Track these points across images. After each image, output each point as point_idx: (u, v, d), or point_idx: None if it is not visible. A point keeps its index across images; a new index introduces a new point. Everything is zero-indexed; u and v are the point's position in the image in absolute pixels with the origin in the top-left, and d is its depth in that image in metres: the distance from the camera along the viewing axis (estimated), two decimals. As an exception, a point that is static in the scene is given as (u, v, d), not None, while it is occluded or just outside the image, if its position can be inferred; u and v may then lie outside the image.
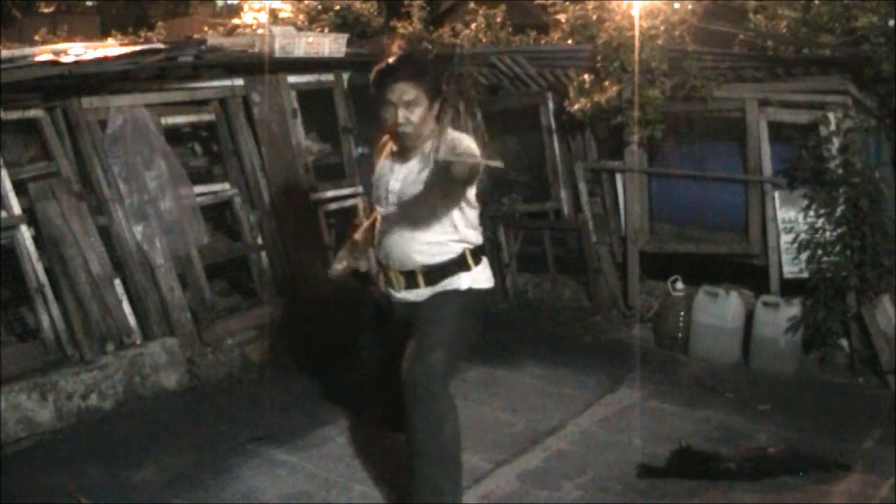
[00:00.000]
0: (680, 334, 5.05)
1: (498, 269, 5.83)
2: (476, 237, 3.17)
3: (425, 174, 3.00)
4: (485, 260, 3.24)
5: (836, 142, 4.50)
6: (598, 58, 5.06)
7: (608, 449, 3.80)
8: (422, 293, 3.14)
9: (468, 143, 2.95)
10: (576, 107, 5.08)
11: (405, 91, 2.98)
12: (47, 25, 8.84)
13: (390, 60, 3.04)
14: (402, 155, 3.14)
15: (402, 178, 3.11)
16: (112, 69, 4.33)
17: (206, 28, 7.64)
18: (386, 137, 3.27)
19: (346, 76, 5.46)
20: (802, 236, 4.69)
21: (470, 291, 3.14)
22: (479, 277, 3.18)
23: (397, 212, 3.12)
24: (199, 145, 5.34)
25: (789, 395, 4.41)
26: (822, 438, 3.85)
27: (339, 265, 3.45)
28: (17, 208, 4.12)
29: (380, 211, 3.23)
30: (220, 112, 4.98)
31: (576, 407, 4.24)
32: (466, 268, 3.13)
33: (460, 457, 3.08)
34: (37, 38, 6.51)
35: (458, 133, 3.10)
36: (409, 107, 2.99)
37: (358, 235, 3.45)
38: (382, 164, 3.24)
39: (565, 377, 4.63)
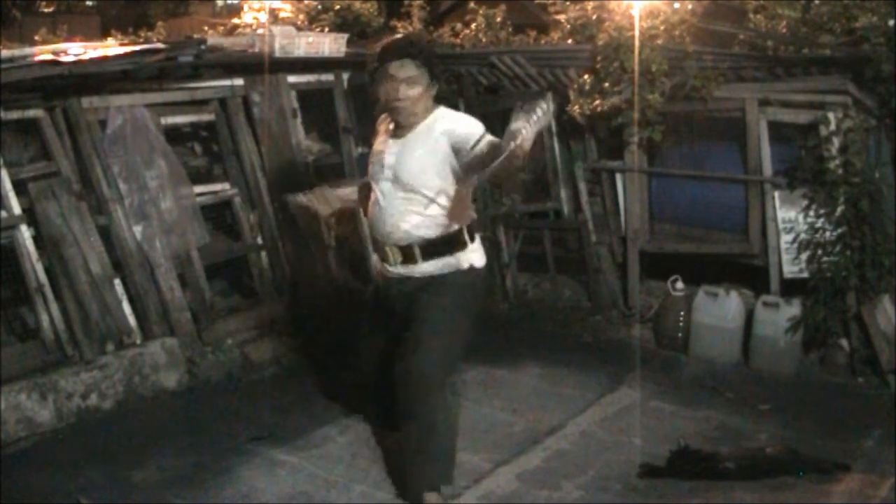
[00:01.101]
0: (680, 334, 5.04)
1: (498, 269, 5.83)
2: (472, 214, 3.24)
3: (422, 152, 3.10)
4: (478, 237, 3.29)
5: (836, 142, 4.50)
6: (598, 58, 5.05)
7: (608, 449, 3.79)
8: (418, 269, 3.18)
9: (469, 119, 3.12)
10: (576, 108, 5.08)
11: (407, 67, 3.09)
12: (47, 25, 8.84)
13: (395, 37, 3.22)
14: (398, 131, 3.22)
15: (396, 152, 3.18)
16: (112, 69, 4.33)
17: (206, 28, 7.64)
18: (384, 116, 3.34)
19: (346, 76, 5.45)
20: (802, 236, 4.69)
21: (467, 271, 3.19)
22: (476, 255, 3.23)
23: (393, 186, 3.17)
24: (199, 145, 5.33)
25: (789, 395, 4.41)
26: (822, 438, 3.85)
27: (304, 196, 3.52)
28: (17, 208, 4.12)
29: (374, 186, 3.28)
30: (220, 112, 4.98)
31: (576, 407, 4.23)
32: (463, 245, 3.18)
33: (455, 451, 3.18)
34: (37, 38, 6.51)
35: (454, 111, 3.23)
36: (410, 83, 3.09)
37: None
38: (379, 140, 3.33)
39: (565, 377, 4.63)
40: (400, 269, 3.23)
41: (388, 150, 3.22)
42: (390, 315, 3.36)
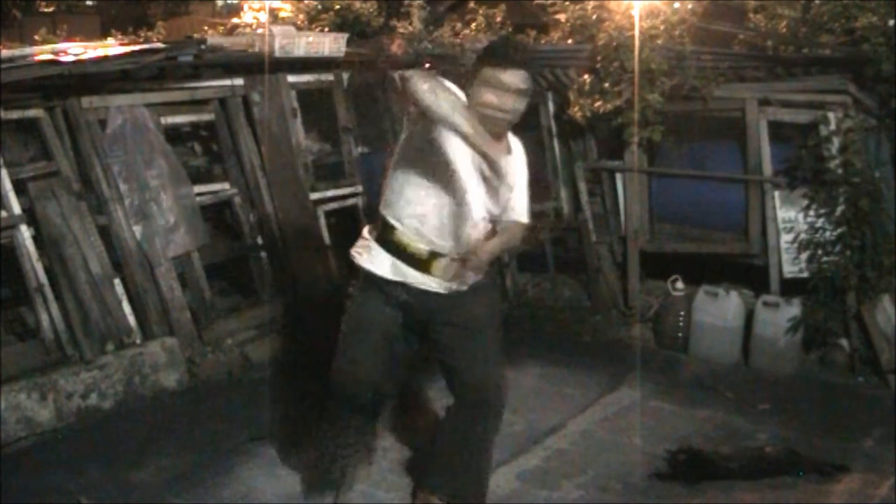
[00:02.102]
0: (680, 334, 5.04)
1: (498, 269, 5.83)
2: None
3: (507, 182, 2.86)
4: None
5: (836, 142, 4.50)
6: (598, 58, 5.06)
7: (608, 449, 3.80)
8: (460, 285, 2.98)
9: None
10: (576, 109, 5.08)
11: (524, 79, 2.74)
12: (47, 25, 8.82)
13: (507, 40, 2.94)
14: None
15: (480, 163, 2.72)
16: (112, 69, 4.33)
17: (206, 28, 7.62)
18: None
19: (346, 76, 5.45)
20: (802, 236, 4.69)
21: (491, 284, 3.17)
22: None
23: (474, 195, 2.75)
24: (199, 145, 5.34)
25: (789, 395, 4.41)
26: (822, 438, 3.85)
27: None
28: (17, 208, 4.12)
29: (435, 175, 2.79)
30: (220, 112, 4.97)
31: (576, 407, 4.24)
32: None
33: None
34: (37, 38, 6.49)
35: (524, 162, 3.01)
36: (520, 96, 2.74)
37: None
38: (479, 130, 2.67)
39: (565, 377, 4.63)
40: (452, 286, 2.91)
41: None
42: (389, 319, 3.25)
